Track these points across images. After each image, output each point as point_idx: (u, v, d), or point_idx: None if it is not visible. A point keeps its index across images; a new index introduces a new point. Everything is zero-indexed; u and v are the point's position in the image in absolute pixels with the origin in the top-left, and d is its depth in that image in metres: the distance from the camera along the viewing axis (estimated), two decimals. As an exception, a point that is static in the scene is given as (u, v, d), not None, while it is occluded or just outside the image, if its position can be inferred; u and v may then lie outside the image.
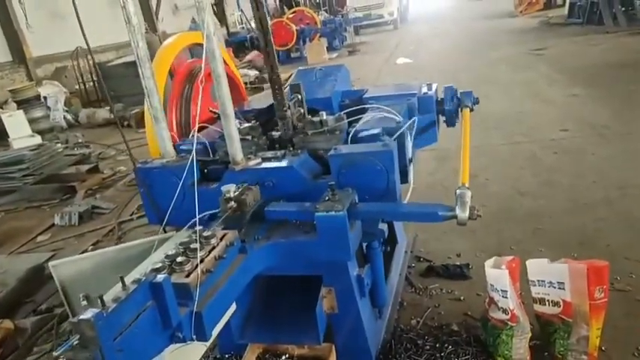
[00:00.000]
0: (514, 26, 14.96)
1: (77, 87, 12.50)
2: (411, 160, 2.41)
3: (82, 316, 1.18)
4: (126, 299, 1.31)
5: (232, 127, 2.14)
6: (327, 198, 1.91)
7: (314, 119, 2.43)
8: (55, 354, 1.17)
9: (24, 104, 8.36)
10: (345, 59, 13.59)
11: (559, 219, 3.50)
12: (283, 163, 2.18)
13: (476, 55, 10.78)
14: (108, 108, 10.31)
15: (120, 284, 1.47)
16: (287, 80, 12.28)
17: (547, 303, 2.25)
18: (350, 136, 2.31)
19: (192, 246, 1.66)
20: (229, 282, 1.70)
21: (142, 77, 2.18)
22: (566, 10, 13.61)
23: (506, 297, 2.18)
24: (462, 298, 2.82)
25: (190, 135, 2.83)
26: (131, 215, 4.88)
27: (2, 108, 9.98)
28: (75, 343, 1.19)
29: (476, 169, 4.32)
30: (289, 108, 2.45)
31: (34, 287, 3.61)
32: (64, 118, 10.07)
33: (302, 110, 2.59)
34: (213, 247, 1.70)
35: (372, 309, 2.50)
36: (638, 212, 3.44)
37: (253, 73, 12.64)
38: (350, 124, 2.45)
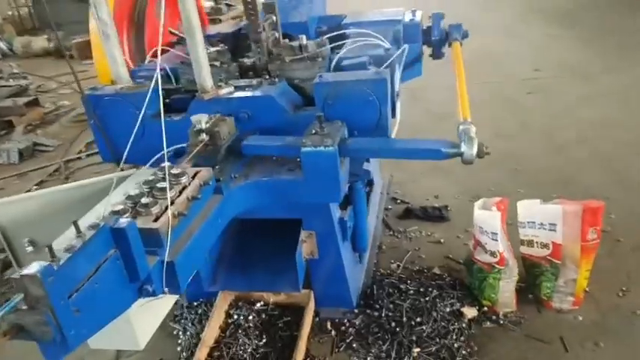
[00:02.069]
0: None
1: (10, 13, 11.26)
2: (398, 94, 2.19)
3: (25, 271, 0.92)
4: (82, 249, 1.06)
5: (201, 49, 1.82)
6: (314, 131, 1.67)
7: (292, 44, 2.13)
8: (-8, 319, 0.92)
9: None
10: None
11: (536, 159, 3.43)
12: (260, 93, 1.91)
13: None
14: (46, 37, 9.35)
15: (73, 230, 1.22)
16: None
17: (535, 245, 2.17)
18: (333, 63, 2.04)
19: (159, 185, 1.40)
20: (204, 226, 1.46)
21: (88, -17, 1.80)
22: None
23: (496, 239, 2.07)
24: (441, 240, 2.72)
25: (147, 60, 2.49)
26: (79, 153, 4.47)
27: None
28: (19, 303, 0.94)
29: (449, 111, 4.15)
30: (264, 30, 2.14)
31: (-29, 232, 3.24)
32: (-3, 46, 9.09)
33: (277, 34, 2.28)
34: (185, 187, 1.44)
35: (352, 253, 2.35)
36: (612, 152, 3.42)
37: (208, 3, 11.77)
38: (331, 51, 2.18)
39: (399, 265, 2.54)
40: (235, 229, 2.30)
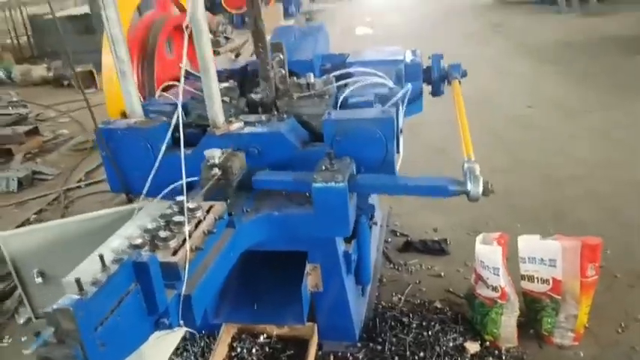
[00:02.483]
0: (471, 2, 15.03)
1: (9, 41, 11.39)
2: (401, 130, 2.26)
3: (58, 305, 0.95)
4: (107, 282, 1.09)
5: (214, 85, 1.89)
6: (324, 167, 1.72)
7: (300, 82, 2.21)
8: (26, 352, 0.94)
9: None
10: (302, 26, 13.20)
11: (531, 195, 3.51)
12: (270, 129, 1.97)
13: (434, 28, 10.72)
14: (45, 65, 9.45)
15: (89, 262, 1.25)
16: (242, 46, 11.65)
17: (536, 280, 2.21)
18: (339, 101, 2.11)
19: (175, 219, 1.44)
20: (218, 260, 1.50)
21: (106, 22, 1.88)
22: (520, -12, 13.78)
23: (497, 274, 2.11)
24: (442, 274, 2.76)
25: (157, 95, 2.55)
26: (78, 182, 4.48)
27: None
28: (50, 337, 0.96)
29: (444, 144, 4.26)
30: (272, 68, 2.22)
31: (-31, 261, 3.22)
32: (-5, 74, 9.15)
33: (283, 72, 2.35)
34: (200, 221, 1.48)
35: (356, 286, 2.38)
36: (605, 189, 3.50)
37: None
38: (337, 89, 2.26)
39: (400, 298, 2.57)
40: (239, 261, 2.32)
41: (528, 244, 2.22)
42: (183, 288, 1.31)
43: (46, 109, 7.09)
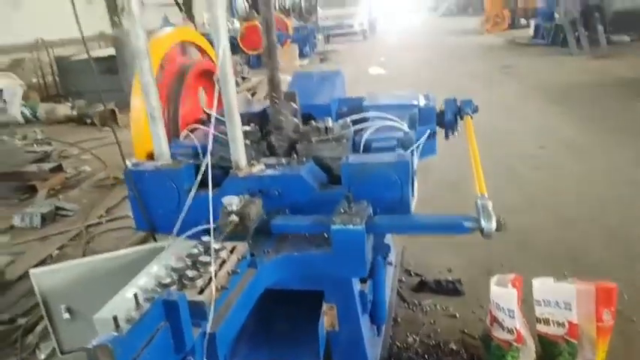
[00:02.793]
0: (481, 43, 15.37)
1: (35, 80, 11.87)
2: (415, 173, 2.34)
3: (97, 341, 1.01)
4: (141, 320, 1.15)
5: (238, 130, 2.00)
6: (342, 210, 1.80)
7: (319, 126, 2.31)
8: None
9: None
10: (316, 66, 13.58)
11: (545, 234, 3.53)
12: (290, 171, 2.06)
13: (447, 69, 10.97)
14: (69, 104, 9.82)
15: (120, 298, 1.32)
16: (258, 85, 11.92)
17: (552, 323, 2.21)
18: (362, 145, 2.20)
19: (201, 259, 1.51)
20: (241, 299, 1.56)
21: (140, 71, 2.01)
22: (531, 31, 14.12)
23: (512, 317, 2.13)
24: (456, 315, 2.77)
25: (182, 137, 2.67)
26: (99, 218, 4.59)
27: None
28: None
29: (458, 181, 4.32)
30: (286, 117, 2.33)
31: (-7, 295, 3.32)
32: (21, 113, 9.51)
33: (296, 120, 2.45)
34: (224, 261, 1.55)
35: (371, 326, 2.40)
36: (619, 228, 3.51)
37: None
38: (354, 132, 2.36)
39: (415, 339, 2.58)
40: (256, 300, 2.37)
41: (543, 286, 2.24)
42: (209, 326, 1.37)
43: (69, 147, 7.33)
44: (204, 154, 2.38)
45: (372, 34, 22.03)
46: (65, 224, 4.56)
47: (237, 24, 20.81)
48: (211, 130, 1.82)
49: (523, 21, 17.63)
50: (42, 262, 3.85)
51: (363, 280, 2.26)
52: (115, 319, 1.10)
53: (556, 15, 11.87)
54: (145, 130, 2.30)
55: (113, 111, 8.42)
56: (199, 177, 1.90)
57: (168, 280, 1.41)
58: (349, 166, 1.99)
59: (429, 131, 2.30)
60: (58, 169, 5.76)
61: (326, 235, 1.80)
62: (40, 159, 5.99)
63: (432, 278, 3.08)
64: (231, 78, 1.95)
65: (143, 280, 1.59)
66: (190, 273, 1.45)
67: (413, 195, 2.24)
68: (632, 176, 4.35)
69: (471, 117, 2.82)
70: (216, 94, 1.79)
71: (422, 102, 2.88)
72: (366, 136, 2.27)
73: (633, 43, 11.42)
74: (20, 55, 12.33)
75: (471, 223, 1.75)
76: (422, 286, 3.03)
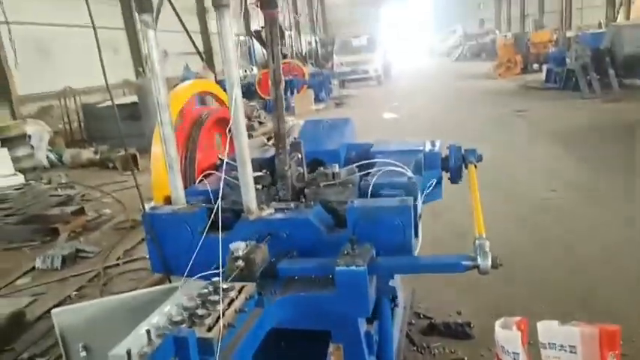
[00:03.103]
0: (494, 88, 15.62)
1: (61, 126, 12.40)
2: (419, 216, 2.42)
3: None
4: (152, 355, 1.24)
5: (249, 176, 2.13)
6: (346, 252, 1.89)
7: (326, 171, 2.44)
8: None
9: (8, 142, 8.20)
10: (332, 111, 13.90)
11: (556, 277, 3.53)
12: (298, 215, 2.16)
13: (460, 113, 11.14)
14: (92, 149, 10.20)
15: (134, 335, 1.41)
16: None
17: (558, 366, 2.22)
18: (369, 190, 2.30)
19: (210, 298, 1.61)
20: (248, 337, 1.64)
21: (160, 124, 2.17)
22: (543, 75, 14.33)
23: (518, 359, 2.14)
24: (465, 358, 2.77)
25: (197, 181, 2.82)
26: (117, 260, 4.72)
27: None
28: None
29: (469, 226, 4.35)
30: (290, 167, 2.45)
31: (14, 334, 3.41)
32: (47, 157, 9.90)
33: (301, 170, 2.57)
34: (233, 300, 1.64)
35: (378, 368, 2.43)
36: (632, 272, 3.49)
37: (241, 120, 12.76)
38: (360, 178, 2.47)
39: (423, 383, 2.58)
40: (263, 339, 2.43)
41: (548, 329, 2.25)
42: (216, 361, 1.44)
43: (91, 190, 7.58)
44: (217, 198, 2.52)
45: (386, 79, 22.53)
46: (85, 266, 4.69)
47: (255, 70, 21.54)
48: (222, 176, 1.94)
49: (535, 66, 17.90)
50: (61, 303, 3.96)
51: (369, 321, 2.30)
52: (129, 353, 1.19)
53: (567, 60, 12.08)
54: (164, 176, 2.45)
55: (134, 155, 8.72)
56: (210, 220, 2.01)
57: (179, 318, 1.50)
58: (354, 210, 2.09)
59: (434, 181, 2.39)
60: (80, 212, 5.96)
61: (331, 276, 1.88)
62: (63, 202, 6.21)
63: (442, 321, 3.09)
64: (242, 127, 2.09)
65: (156, 319, 1.68)
66: (200, 311, 1.54)
67: (417, 237, 2.32)
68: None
69: (475, 166, 2.91)
70: (227, 144, 1.93)
71: (427, 148, 3.00)
72: (372, 181, 2.37)
73: (646, 86, 11.51)
74: (49, 102, 12.94)
75: (468, 261, 1.82)
76: (431, 329, 3.05)
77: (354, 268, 1.80)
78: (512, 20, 32.38)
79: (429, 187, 2.59)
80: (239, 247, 1.90)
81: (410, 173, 2.47)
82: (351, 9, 40.14)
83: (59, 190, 7.00)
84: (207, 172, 2.80)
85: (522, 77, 17.09)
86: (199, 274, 1.92)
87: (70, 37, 13.85)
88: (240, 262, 1.88)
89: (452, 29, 37.22)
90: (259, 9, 2.29)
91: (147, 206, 2.44)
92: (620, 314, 2.95)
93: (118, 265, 4.64)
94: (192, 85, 3.19)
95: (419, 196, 2.38)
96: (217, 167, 2.98)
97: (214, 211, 1.91)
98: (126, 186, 7.65)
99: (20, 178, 7.23)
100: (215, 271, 1.82)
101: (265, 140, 10.16)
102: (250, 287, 1.74)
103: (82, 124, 12.21)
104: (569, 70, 11.98)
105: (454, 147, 2.97)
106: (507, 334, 2.21)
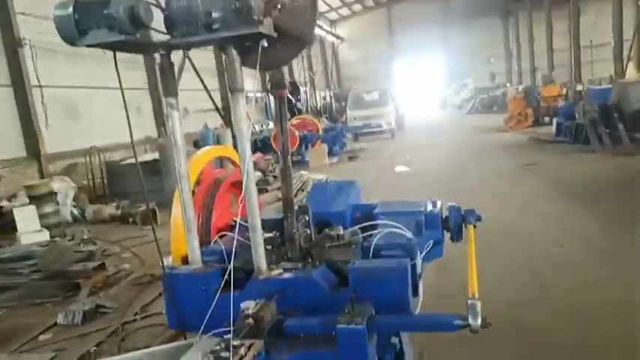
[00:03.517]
0: (505, 141, 15.86)
1: (85, 182, 12.91)
2: (420, 275, 2.57)
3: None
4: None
5: (259, 238, 2.33)
6: (347, 311, 2.05)
7: (331, 233, 2.63)
8: None
9: (36, 199, 8.60)
10: (345, 165, 14.21)
11: (565, 335, 3.58)
12: (304, 275, 2.34)
13: (470, 166, 11.34)
14: (114, 204, 10.57)
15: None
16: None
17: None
18: (372, 250, 2.48)
19: (222, 354, 1.78)
20: (255, 392, 1.78)
21: (181, 191, 2.41)
22: (553, 128, 14.56)
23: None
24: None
25: (212, 242, 3.03)
26: (135, 315, 4.89)
27: (10, 200, 10.23)
28: None
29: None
30: (297, 230, 2.66)
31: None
32: (71, 213, 10.28)
33: (309, 231, 2.77)
34: (242, 357, 1.81)
35: None
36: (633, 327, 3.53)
37: (257, 174, 13.12)
38: (363, 238, 2.66)
39: None
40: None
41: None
42: (227, 413, 1.60)
43: (111, 245, 7.85)
44: (230, 259, 2.72)
45: (399, 132, 22.98)
46: (104, 321, 4.86)
47: (271, 125, 22.22)
48: (235, 237, 2.15)
49: (546, 119, 18.18)
50: (81, 359, 4.12)
51: (373, 377, 2.42)
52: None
53: (576, 114, 12.31)
54: (182, 238, 2.67)
55: (154, 210, 9.04)
56: (224, 280, 2.20)
57: (195, 371, 1.67)
58: (355, 270, 2.26)
59: (431, 242, 2.57)
60: (101, 267, 6.19)
61: (334, 334, 2.04)
62: (85, 258, 6.45)
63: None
64: (254, 191, 2.32)
65: (173, 373, 1.85)
66: (217, 362, 1.71)
67: (417, 296, 2.48)
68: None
69: (474, 226, 3.07)
70: (239, 209, 2.15)
71: (429, 208, 3.18)
72: (373, 242, 2.56)
73: (656, 139, 11.60)
74: (75, 160, 13.55)
75: (460, 321, 1.97)
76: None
77: (353, 326, 1.96)
78: (523, 73, 33.05)
79: (428, 247, 2.75)
80: (249, 306, 2.07)
81: (409, 234, 2.65)
82: (364, 64, 41.52)
83: (82, 245, 7.27)
84: (222, 233, 3.01)
85: (533, 130, 17.34)
86: (212, 332, 2.11)
87: (96, 99, 14.71)
88: (250, 320, 2.05)
89: (463, 83, 38.08)
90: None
91: (165, 261, 2.64)
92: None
93: (135, 320, 4.79)
94: (209, 151, 3.47)
95: (418, 255, 2.55)
96: (233, 226, 3.20)
97: (227, 271, 2.10)
98: (145, 240, 7.92)
99: (46, 235, 7.54)
100: (227, 329, 2.01)
101: (280, 195, 10.45)
102: (258, 344, 1.90)
103: (105, 181, 12.69)
104: (578, 124, 12.18)
105: (453, 207, 3.15)
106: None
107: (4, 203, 9.81)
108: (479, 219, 3.19)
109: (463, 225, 3.16)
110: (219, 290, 2.36)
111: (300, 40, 2.47)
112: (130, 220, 9.56)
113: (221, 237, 3.04)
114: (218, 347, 1.86)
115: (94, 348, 4.27)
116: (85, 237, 8.06)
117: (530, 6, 26.79)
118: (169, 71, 2.36)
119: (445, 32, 40.06)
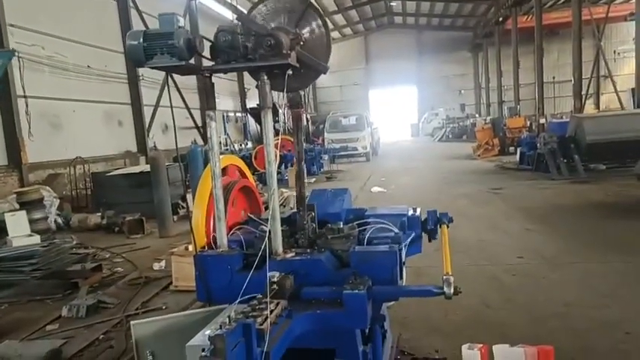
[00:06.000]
0: (473, 167, 16.83)
1: (66, 193, 13.09)
2: (404, 263, 3.17)
3: (213, 333, 1.81)
4: (231, 330, 1.94)
5: (278, 227, 2.89)
6: (350, 281, 2.62)
7: (333, 227, 3.21)
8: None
9: (27, 205, 8.85)
10: (323, 184, 14.81)
11: (519, 328, 4.21)
12: (313, 257, 2.90)
13: (441, 189, 12.12)
14: (99, 214, 10.83)
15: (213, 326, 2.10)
16: (286, 199, 12.88)
17: (511, 381, 2.88)
18: (365, 240, 3.06)
19: (258, 307, 2.31)
20: (282, 338, 2.32)
21: (214, 187, 2.96)
22: (517, 157, 15.61)
23: (480, 375, 2.81)
24: (442, 382, 3.40)
25: (230, 233, 3.55)
26: (136, 310, 5.28)
27: (-5, 207, 10.38)
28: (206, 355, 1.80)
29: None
30: (307, 222, 3.23)
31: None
32: (55, 221, 10.49)
33: (314, 225, 3.34)
34: (272, 310, 2.35)
35: (371, 384, 3.05)
36: (582, 325, 4.20)
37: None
38: (359, 233, 3.24)
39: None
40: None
41: (501, 351, 2.95)
42: (266, 346, 2.13)
43: (101, 251, 8.17)
44: (248, 246, 3.26)
45: (374, 156, 23.84)
46: (106, 315, 5.24)
47: (249, 144, 22.62)
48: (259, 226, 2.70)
49: (511, 148, 19.33)
50: (91, 344, 4.50)
51: (365, 343, 2.97)
52: (221, 325, 1.88)
53: (538, 145, 13.33)
54: (202, 231, 3.20)
55: (141, 220, 9.41)
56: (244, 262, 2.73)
57: (241, 316, 2.19)
58: (355, 254, 2.84)
59: (413, 234, 3.17)
60: (98, 268, 6.55)
61: (339, 300, 2.60)
62: (81, 260, 6.79)
63: (422, 356, 3.73)
64: (276, 193, 2.88)
65: (220, 320, 2.35)
66: (253, 314, 2.24)
67: (402, 278, 3.07)
68: (598, 282, 5.11)
69: (447, 226, 3.70)
70: (268, 204, 2.71)
71: (410, 212, 3.80)
72: (367, 234, 3.15)
73: (609, 170, 12.68)
74: (57, 170, 13.72)
75: (437, 289, 2.57)
76: (414, 363, 3.68)
77: (357, 291, 2.53)
78: (491, 105, 34.68)
79: (410, 241, 3.35)
80: (275, 275, 2.62)
81: (396, 229, 3.26)
82: (341, 90, 42.66)
83: (74, 249, 7.57)
84: (239, 225, 3.54)
85: (499, 158, 18.42)
86: (239, 299, 2.63)
87: (78, 111, 15.02)
88: (275, 286, 2.60)
89: (435, 112, 39.62)
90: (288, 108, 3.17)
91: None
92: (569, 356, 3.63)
93: (137, 314, 5.20)
94: (222, 159, 3.99)
95: (403, 247, 3.14)
96: (243, 223, 3.72)
97: (261, 250, 2.65)
98: (134, 248, 8.28)
99: (36, 239, 7.79)
100: (251, 295, 2.54)
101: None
102: (284, 302, 2.45)
103: (90, 191, 12.92)
104: (539, 154, 13.19)
105: (431, 212, 3.78)
106: (470, 354, 2.90)
107: (-10, 209, 9.97)
108: (451, 220, 3.82)
109: (438, 225, 3.79)
110: (243, 269, 2.90)
111: (316, 70, 3.09)
112: (116, 229, 9.86)
113: (237, 230, 3.57)
114: (247, 309, 2.38)
115: (102, 335, 4.65)
116: (74, 243, 8.33)
117: (498, 43, 28.39)
118: (210, 90, 2.93)
119: (418, 63, 41.77)
